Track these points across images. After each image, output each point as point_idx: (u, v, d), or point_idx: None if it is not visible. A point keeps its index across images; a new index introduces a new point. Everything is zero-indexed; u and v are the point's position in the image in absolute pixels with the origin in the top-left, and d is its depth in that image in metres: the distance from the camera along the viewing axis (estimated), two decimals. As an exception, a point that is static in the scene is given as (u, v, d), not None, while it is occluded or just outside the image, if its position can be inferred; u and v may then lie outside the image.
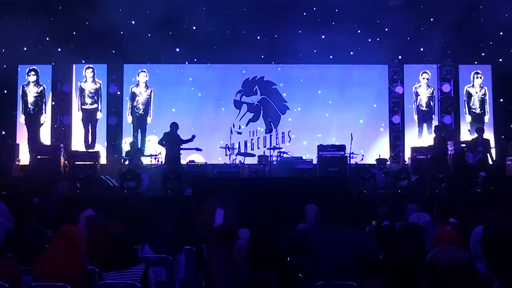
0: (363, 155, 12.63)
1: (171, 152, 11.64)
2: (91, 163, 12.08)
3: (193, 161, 12.47)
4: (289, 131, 14.19)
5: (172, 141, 11.64)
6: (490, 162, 11.87)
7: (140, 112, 14.16)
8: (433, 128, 13.18)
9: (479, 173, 11.06)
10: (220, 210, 6.00)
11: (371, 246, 3.58)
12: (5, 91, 14.11)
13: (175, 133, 11.72)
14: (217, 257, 5.26)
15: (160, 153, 12.55)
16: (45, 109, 14.06)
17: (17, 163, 12.55)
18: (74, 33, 13.39)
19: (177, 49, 14.17)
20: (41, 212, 7.02)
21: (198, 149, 12.31)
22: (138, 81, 14.27)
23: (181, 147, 11.76)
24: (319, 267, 3.48)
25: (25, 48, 13.62)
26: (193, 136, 11.83)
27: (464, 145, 12.29)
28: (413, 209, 6.65)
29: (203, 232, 5.86)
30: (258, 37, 14.04)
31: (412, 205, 6.82)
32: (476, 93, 14.19)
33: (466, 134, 13.81)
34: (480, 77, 14.22)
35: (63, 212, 6.21)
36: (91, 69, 14.19)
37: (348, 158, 11.89)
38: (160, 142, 11.86)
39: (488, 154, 11.76)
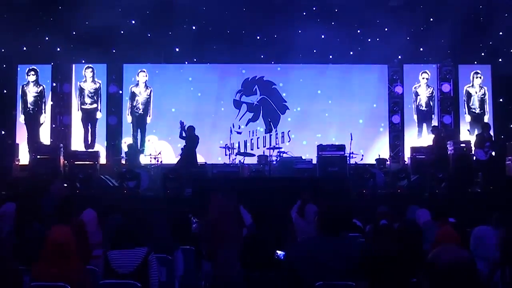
0: (362, 155, 12.65)
1: (189, 153, 11.90)
2: (91, 163, 12.08)
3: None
4: (289, 131, 14.18)
5: (190, 142, 11.93)
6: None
7: (139, 112, 14.16)
8: (431, 129, 13.19)
9: (488, 170, 11.02)
10: (243, 209, 6.09)
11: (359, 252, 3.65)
12: (5, 91, 14.10)
13: (193, 134, 12.03)
14: (228, 256, 5.28)
15: (159, 153, 12.57)
16: (44, 109, 14.05)
17: (16, 163, 12.57)
18: (74, 32, 13.38)
19: (177, 49, 14.17)
20: (41, 212, 7.01)
21: (182, 123, 12.14)
22: (138, 81, 14.27)
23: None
24: (318, 274, 3.51)
25: (24, 48, 13.62)
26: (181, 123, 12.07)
27: (464, 145, 12.29)
28: (415, 209, 6.63)
29: (207, 230, 5.87)
30: (258, 37, 14.06)
31: (414, 206, 6.81)
32: (476, 93, 14.20)
33: (466, 134, 13.82)
34: (480, 77, 14.22)
35: (57, 212, 6.18)
36: (90, 69, 14.18)
37: (348, 158, 11.89)
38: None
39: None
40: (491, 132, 12.47)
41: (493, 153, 11.50)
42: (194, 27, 13.93)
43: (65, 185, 10.12)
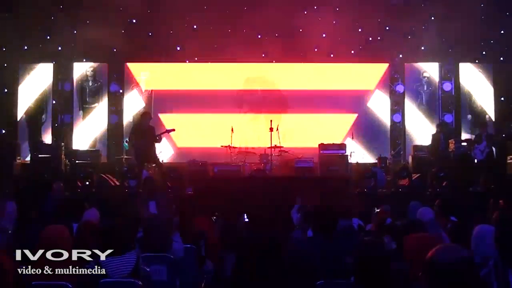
0: (364, 154, 12.63)
1: (139, 145, 10.32)
2: (92, 162, 12.07)
3: (193, 160, 12.46)
4: (290, 129, 14.14)
5: (141, 133, 10.33)
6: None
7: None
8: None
9: (487, 169, 10.98)
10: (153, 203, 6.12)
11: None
12: (6, 90, 14.10)
13: (145, 124, 10.46)
14: None
15: (160, 151, 12.54)
16: (46, 107, 14.04)
17: (18, 161, 12.54)
18: (75, 31, 13.39)
19: (178, 48, 14.16)
20: (41, 211, 7.03)
21: (169, 131, 10.95)
22: (139, 80, 14.26)
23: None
24: (316, 273, 3.53)
25: (26, 47, 13.62)
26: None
27: (465, 143, 12.27)
28: (416, 206, 6.60)
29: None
30: (259, 36, 14.05)
31: (416, 202, 6.78)
32: (477, 91, 14.16)
33: (467, 132, 13.80)
34: (481, 76, 14.18)
35: (58, 212, 6.19)
36: (92, 68, 14.18)
37: (349, 156, 11.88)
38: (129, 137, 10.81)
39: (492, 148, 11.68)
40: (490, 130, 12.46)
41: (493, 148, 11.46)
42: (195, 26, 13.93)
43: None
